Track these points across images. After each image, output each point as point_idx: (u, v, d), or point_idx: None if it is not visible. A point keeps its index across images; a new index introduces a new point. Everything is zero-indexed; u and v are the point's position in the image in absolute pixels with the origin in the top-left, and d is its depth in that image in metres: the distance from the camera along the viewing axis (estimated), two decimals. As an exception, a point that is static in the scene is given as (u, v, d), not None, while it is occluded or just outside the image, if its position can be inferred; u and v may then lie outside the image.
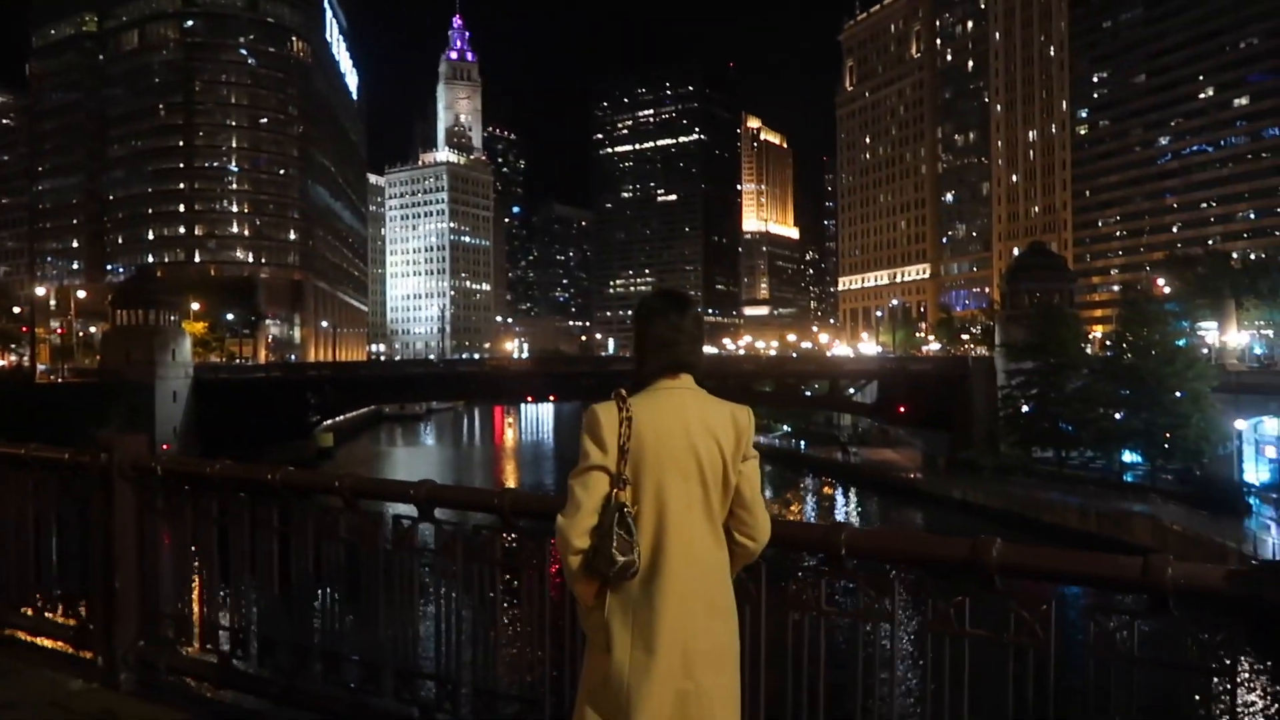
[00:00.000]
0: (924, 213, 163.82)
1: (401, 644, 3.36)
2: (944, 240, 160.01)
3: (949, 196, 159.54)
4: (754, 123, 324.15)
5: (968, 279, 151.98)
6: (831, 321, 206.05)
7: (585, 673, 2.49)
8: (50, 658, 4.30)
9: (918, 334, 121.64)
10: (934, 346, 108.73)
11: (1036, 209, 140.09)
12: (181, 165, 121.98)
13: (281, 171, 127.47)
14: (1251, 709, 21.73)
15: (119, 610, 3.99)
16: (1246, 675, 19.57)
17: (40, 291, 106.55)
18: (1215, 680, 2.39)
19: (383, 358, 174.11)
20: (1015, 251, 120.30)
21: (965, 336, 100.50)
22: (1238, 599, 2.24)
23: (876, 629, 2.75)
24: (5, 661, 4.29)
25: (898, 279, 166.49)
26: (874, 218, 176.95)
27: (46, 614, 4.40)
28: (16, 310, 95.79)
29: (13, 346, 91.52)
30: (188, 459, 3.96)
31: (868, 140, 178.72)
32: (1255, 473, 46.02)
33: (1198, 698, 2.35)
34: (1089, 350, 61.83)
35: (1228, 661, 2.36)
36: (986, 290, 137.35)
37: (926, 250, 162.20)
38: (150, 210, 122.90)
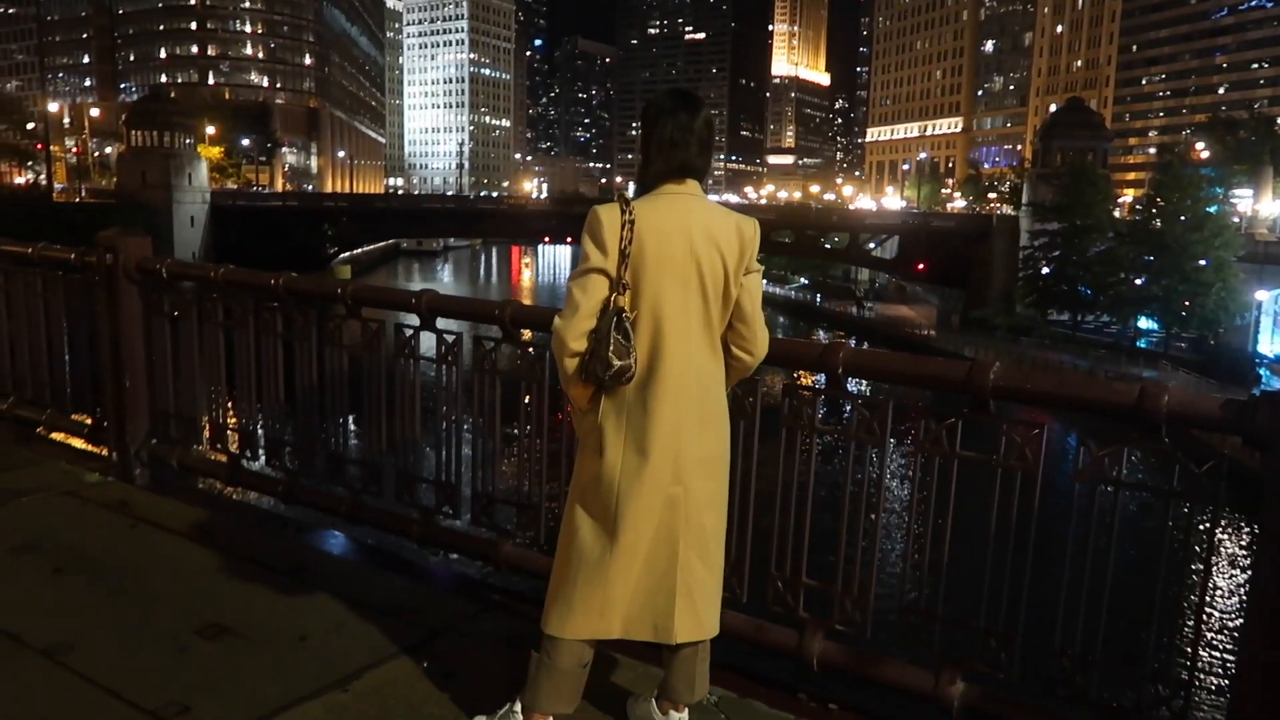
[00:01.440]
0: (961, 62, 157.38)
1: (403, 449, 3.44)
2: (979, 93, 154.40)
3: (988, 45, 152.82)
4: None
5: (1000, 135, 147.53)
6: (857, 174, 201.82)
7: (576, 473, 2.52)
8: (66, 452, 4.44)
9: (944, 190, 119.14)
10: (959, 204, 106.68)
11: (1079, 63, 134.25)
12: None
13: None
14: (1229, 542, 22.73)
15: (130, 408, 4.08)
16: (1228, 511, 20.18)
17: (53, 107, 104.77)
18: (1197, 510, 2.41)
19: (400, 192, 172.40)
20: (1052, 108, 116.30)
21: (992, 195, 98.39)
22: (1229, 427, 2.24)
23: (867, 448, 2.74)
24: (23, 454, 4.43)
25: (928, 131, 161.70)
26: (908, 65, 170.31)
27: (61, 411, 4.51)
28: (30, 126, 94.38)
29: (29, 164, 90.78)
30: (192, 263, 3.96)
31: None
32: (1271, 344, 45.82)
33: (1179, 527, 2.38)
34: (1117, 214, 60.51)
35: (1211, 492, 2.37)
36: (1018, 148, 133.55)
37: (960, 103, 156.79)
38: (161, 27, 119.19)
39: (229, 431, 3.87)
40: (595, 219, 2.40)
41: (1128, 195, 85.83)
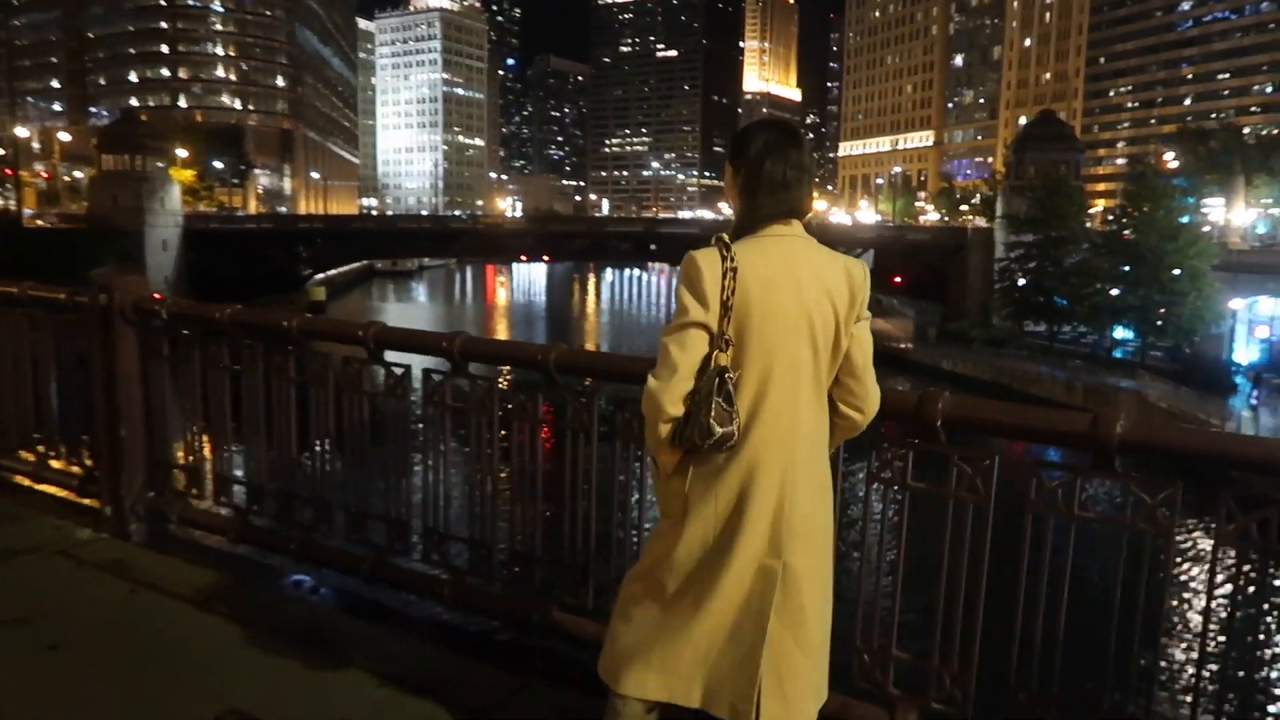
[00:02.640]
0: (931, 77, 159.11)
1: (430, 503, 3.17)
2: (950, 106, 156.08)
3: (958, 60, 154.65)
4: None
5: (971, 148, 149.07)
6: (830, 188, 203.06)
7: (652, 540, 2.28)
8: (55, 505, 4.14)
9: (917, 203, 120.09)
10: (933, 216, 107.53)
11: (1048, 75, 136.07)
12: (163, 3, 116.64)
13: (268, 13, 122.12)
14: (1187, 570, 22.68)
15: (125, 459, 3.80)
16: (1183, 538, 20.16)
17: (22, 133, 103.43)
18: (1153, 538, 2.30)
19: (374, 212, 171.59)
20: (1022, 120, 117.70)
21: (965, 207, 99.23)
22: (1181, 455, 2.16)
23: (969, 507, 2.60)
24: (10, 507, 4.13)
25: (900, 145, 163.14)
26: (879, 80, 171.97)
27: (50, 460, 4.21)
28: (0, 152, 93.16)
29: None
30: (194, 302, 3.69)
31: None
32: (1245, 352, 46.26)
33: (1134, 556, 2.24)
34: (1090, 224, 61.09)
35: (1166, 520, 2.27)
36: (990, 160, 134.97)
37: (931, 117, 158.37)
38: (132, 50, 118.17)
39: (234, 484, 3.60)
40: (694, 267, 2.14)
41: (1098, 206, 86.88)
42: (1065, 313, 51.44)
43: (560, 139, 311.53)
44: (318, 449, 3.29)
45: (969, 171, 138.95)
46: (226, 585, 3.36)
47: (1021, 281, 54.10)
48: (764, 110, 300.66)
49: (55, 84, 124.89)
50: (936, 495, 2.43)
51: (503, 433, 3.01)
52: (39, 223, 70.62)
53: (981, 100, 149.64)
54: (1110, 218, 66.97)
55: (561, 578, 2.98)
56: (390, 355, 3.22)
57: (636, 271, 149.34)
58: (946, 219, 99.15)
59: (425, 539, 3.16)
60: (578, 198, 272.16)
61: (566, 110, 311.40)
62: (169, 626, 3.10)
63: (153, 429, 3.79)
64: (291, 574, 3.50)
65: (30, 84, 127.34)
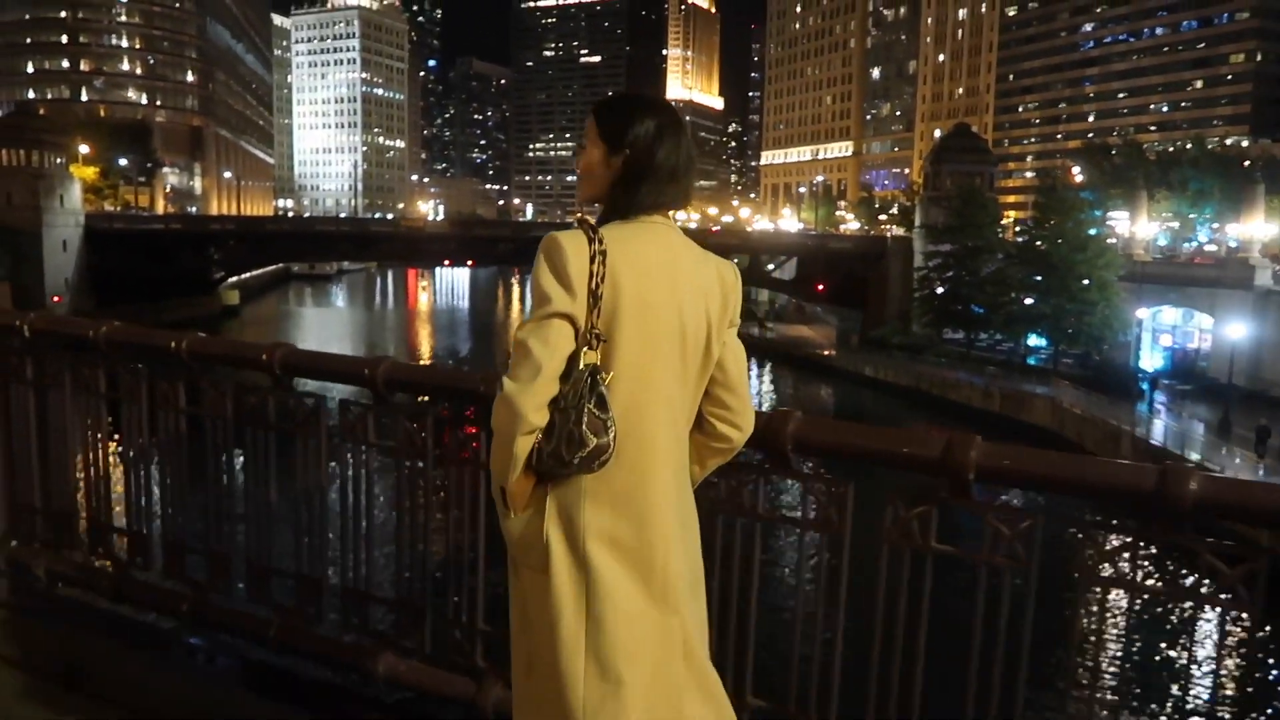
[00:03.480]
0: (850, 89, 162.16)
1: (349, 557, 2.68)
2: (868, 118, 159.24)
3: (875, 73, 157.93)
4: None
5: (889, 159, 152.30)
6: (752, 196, 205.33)
7: (519, 602, 1.86)
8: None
9: (838, 212, 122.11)
10: (853, 225, 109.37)
11: (960, 90, 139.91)
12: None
13: (176, 5, 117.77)
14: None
15: (-19, 502, 3.22)
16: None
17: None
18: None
19: (291, 214, 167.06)
20: (937, 133, 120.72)
21: (884, 217, 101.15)
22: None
23: (825, 539, 2.21)
24: None
25: (820, 155, 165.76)
26: (799, 91, 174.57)
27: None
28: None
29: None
30: (64, 318, 3.12)
31: (798, 9, 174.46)
32: (1150, 360, 47.98)
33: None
34: (1003, 235, 62.74)
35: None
36: (906, 171, 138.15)
37: (850, 128, 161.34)
38: (28, 40, 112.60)
39: (113, 533, 3.04)
40: (556, 248, 1.80)
41: (1009, 217, 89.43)
42: (982, 320, 52.63)
43: (483, 142, 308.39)
44: (213, 492, 2.77)
45: (887, 182, 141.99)
46: (103, 659, 2.81)
47: (940, 290, 55.20)
48: (687, 118, 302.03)
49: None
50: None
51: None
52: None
53: (898, 113, 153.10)
54: (1019, 229, 68.98)
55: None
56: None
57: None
58: (866, 228, 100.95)
59: (345, 598, 2.65)
60: (501, 202, 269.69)
61: (489, 113, 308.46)
62: (29, 715, 2.55)
63: (14, 467, 3.21)
64: (182, 639, 2.95)
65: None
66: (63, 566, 3.15)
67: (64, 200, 61.69)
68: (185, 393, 2.78)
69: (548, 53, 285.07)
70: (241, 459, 2.69)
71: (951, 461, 1.99)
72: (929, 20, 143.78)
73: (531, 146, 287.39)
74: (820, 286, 67.00)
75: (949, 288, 54.59)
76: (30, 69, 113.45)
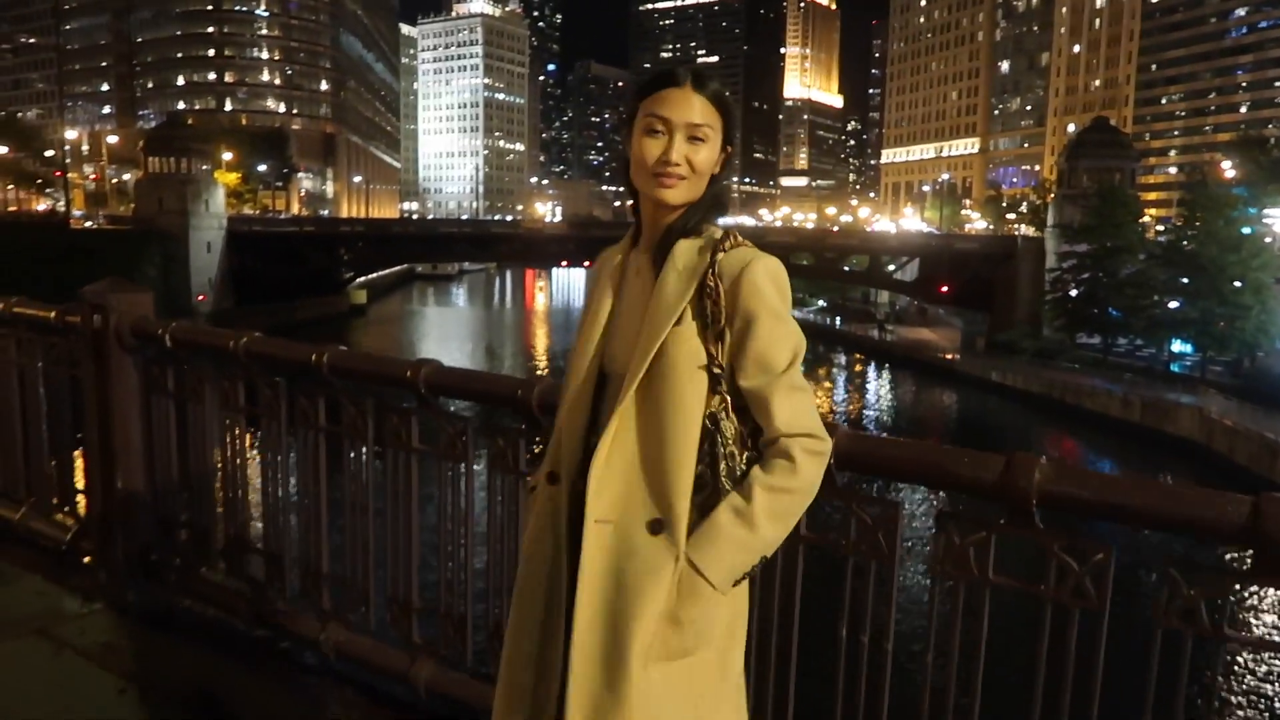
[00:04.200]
0: (976, 83, 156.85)
1: (504, 597, 2.42)
2: (995, 113, 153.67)
3: (1004, 66, 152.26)
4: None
5: (1018, 155, 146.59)
6: (871, 195, 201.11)
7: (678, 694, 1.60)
8: (46, 561, 3.49)
9: (963, 211, 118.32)
10: (979, 225, 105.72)
11: (1097, 83, 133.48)
12: (209, 7, 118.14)
13: (313, 18, 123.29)
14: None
15: (122, 513, 3.15)
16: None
17: (71, 135, 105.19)
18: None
19: (415, 216, 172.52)
20: (1070, 128, 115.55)
21: (1011, 216, 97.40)
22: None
23: (869, 566, 1.93)
24: (-9, 563, 3.50)
25: (944, 153, 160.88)
26: (923, 87, 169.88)
27: (40, 509, 3.58)
28: (49, 154, 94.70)
29: (47, 191, 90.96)
30: (205, 328, 3.02)
31: (923, 3, 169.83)
32: (1311, 368, 44.52)
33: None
34: (1144, 234, 59.38)
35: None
36: (1036, 168, 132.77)
37: (976, 124, 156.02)
38: (179, 54, 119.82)
39: (251, 554, 2.91)
40: (782, 276, 1.64)
41: (1149, 216, 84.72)
42: (1120, 325, 49.95)
43: (600, 144, 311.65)
44: (350, 517, 2.59)
45: (1015, 179, 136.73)
46: (234, 682, 2.67)
47: (1074, 292, 52.68)
48: (806, 117, 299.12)
49: (104, 87, 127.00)
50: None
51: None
52: (87, 224, 71.43)
53: (1028, 107, 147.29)
54: (1161, 227, 65.10)
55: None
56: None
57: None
58: (993, 228, 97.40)
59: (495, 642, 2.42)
60: (617, 203, 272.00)
61: (606, 116, 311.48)
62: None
63: (156, 479, 3.13)
64: (318, 667, 2.79)
65: (80, 87, 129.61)
66: (200, 585, 3.05)
67: (209, 205, 65.05)
68: (325, 408, 2.62)
69: (665, 54, 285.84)
70: (383, 482, 2.51)
71: (1012, 485, 1.70)
72: (1063, 10, 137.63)
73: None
74: (944, 288, 64.85)
75: (1084, 289, 52.00)
76: (180, 82, 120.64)
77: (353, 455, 2.58)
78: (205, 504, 3.03)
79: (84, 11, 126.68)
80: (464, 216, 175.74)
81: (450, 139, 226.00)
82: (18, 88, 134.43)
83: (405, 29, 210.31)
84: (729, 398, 1.59)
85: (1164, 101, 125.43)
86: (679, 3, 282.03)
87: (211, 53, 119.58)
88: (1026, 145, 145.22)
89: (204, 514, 3.05)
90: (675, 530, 1.53)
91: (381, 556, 2.56)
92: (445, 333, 74.23)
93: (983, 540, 1.76)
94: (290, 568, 2.80)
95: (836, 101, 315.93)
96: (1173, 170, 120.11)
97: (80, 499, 3.41)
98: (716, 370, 1.58)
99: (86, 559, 3.33)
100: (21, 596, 3.23)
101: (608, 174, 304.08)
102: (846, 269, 72.48)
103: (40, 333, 3.37)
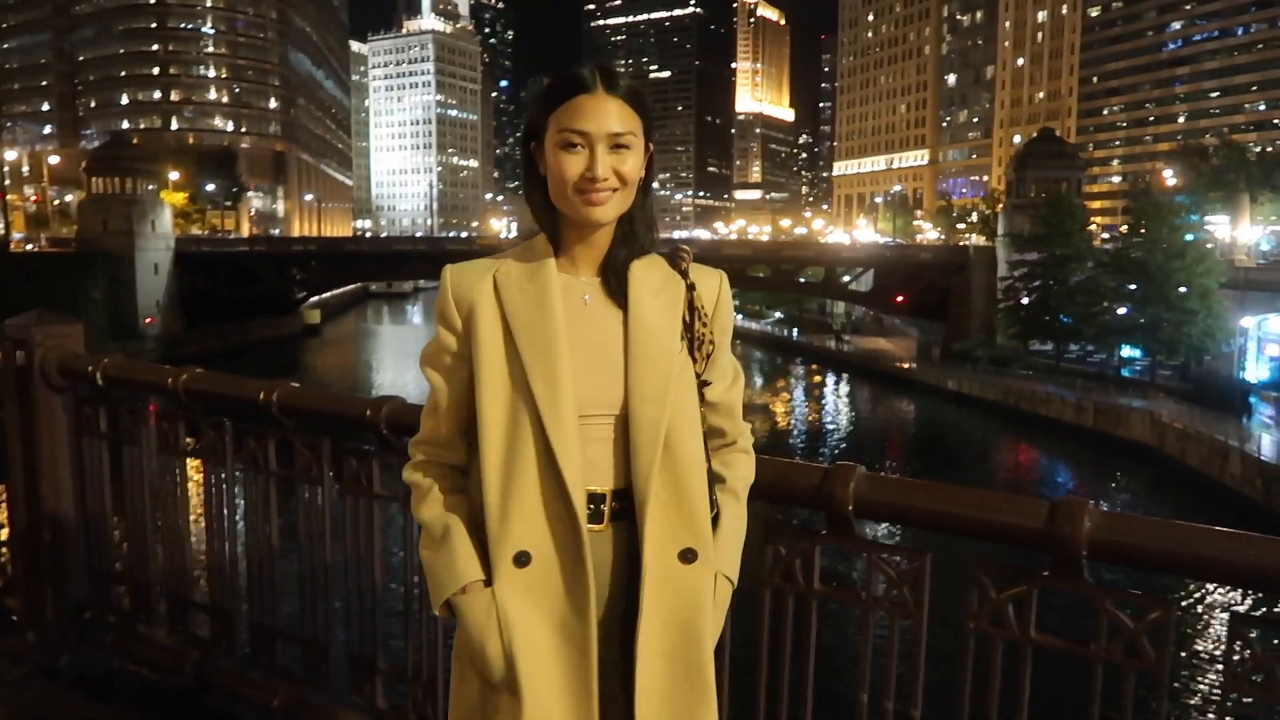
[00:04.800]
0: (925, 96, 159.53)
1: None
2: (944, 125, 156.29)
3: (951, 79, 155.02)
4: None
5: (966, 166, 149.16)
6: (825, 207, 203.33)
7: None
8: (-30, 620, 3.19)
9: (915, 221, 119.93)
10: (931, 235, 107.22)
11: (1041, 95, 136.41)
12: (154, 25, 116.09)
13: (261, 35, 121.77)
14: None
15: (52, 567, 2.87)
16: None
17: (11, 156, 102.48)
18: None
19: (369, 234, 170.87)
20: (1016, 139, 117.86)
21: (962, 225, 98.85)
22: None
23: (895, 623, 1.76)
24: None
25: (895, 165, 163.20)
26: (873, 100, 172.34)
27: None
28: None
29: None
30: (140, 364, 2.75)
31: (870, 18, 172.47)
32: (1256, 371, 45.47)
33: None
34: (1091, 243, 60.50)
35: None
36: (985, 179, 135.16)
37: (926, 136, 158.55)
38: (123, 73, 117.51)
39: (195, 609, 2.64)
40: (729, 286, 1.66)
41: (1095, 224, 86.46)
42: (1072, 331, 50.74)
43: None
44: (308, 571, 2.34)
45: (965, 190, 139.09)
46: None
47: (1026, 300, 53.42)
48: (758, 130, 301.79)
49: (45, 107, 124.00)
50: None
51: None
52: (28, 247, 69.56)
53: (975, 119, 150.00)
54: (1107, 236, 66.41)
55: None
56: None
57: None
58: (945, 237, 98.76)
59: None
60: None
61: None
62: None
63: (89, 530, 2.86)
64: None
65: (19, 107, 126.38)
66: (140, 646, 2.77)
67: (155, 225, 63.71)
68: (276, 451, 2.38)
69: (618, 69, 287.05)
70: (342, 531, 2.27)
71: (1058, 534, 1.52)
72: (1006, 24, 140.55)
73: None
74: (899, 298, 65.55)
75: (1036, 298, 52.79)
76: (124, 100, 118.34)
77: (307, 500, 2.33)
78: (144, 556, 2.76)
79: (23, 30, 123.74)
80: (418, 234, 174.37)
81: (403, 156, 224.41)
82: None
83: (356, 46, 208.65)
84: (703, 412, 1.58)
85: (1105, 112, 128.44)
86: (631, 18, 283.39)
87: (156, 71, 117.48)
88: (975, 156, 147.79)
89: (143, 567, 2.78)
90: (705, 553, 1.52)
91: (342, 612, 2.31)
92: (402, 350, 73.34)
93: (1023, 594, 1.57)
94: (239, 625, 2.55)
95: (788, 115, 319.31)
96: (1116, 179, 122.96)
97: (4, 551, 3.11)
98: (703, 390, 1.56)
99: (14, 618, 3.03)
100: (-59, 663, 2.93)
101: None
102: (802, 280, 72.92)
103: (-40, 370, 3.08)
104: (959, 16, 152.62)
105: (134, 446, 2.67)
